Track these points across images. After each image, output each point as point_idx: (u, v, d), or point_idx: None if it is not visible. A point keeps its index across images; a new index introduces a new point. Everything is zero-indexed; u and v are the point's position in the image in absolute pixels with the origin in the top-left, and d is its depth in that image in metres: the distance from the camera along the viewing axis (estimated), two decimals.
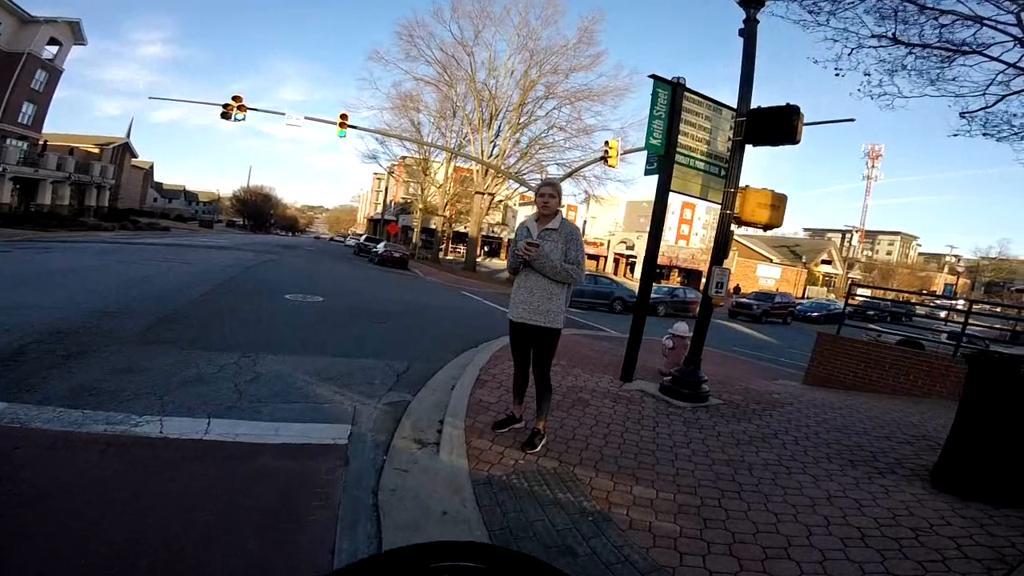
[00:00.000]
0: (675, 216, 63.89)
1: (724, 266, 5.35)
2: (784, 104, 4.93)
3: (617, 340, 9.84)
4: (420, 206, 37.68)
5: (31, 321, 5.38)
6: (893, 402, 6.70)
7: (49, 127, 34.44)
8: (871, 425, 5.00)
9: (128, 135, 48.28)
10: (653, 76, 5.42)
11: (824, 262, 54.25)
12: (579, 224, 62.73)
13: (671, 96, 5.40)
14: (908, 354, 8.11)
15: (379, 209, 60.18)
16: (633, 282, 30.91)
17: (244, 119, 17.36)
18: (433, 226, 39.76)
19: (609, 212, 55.00)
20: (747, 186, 5.29)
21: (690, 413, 4.85)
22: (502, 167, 27.65)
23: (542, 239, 3.34)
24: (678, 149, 5.47)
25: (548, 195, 3.39)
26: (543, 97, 28.73)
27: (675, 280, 49.17)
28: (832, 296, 44.79)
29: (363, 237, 42.50)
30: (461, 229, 43.09)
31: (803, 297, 43.05)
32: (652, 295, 20.52)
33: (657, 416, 4.68)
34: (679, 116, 5.44)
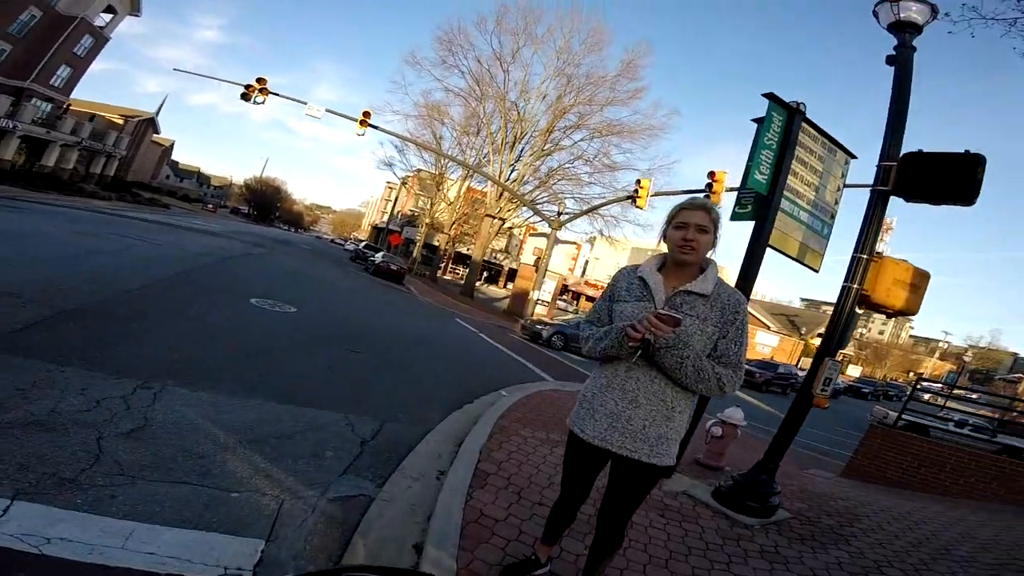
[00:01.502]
0: None
1: (835, 358, 3.92)
2: (963, 151, 3.61)
3: None
4: (427, 220, 36.62)
5: None
6: (959, 508, 5.80)
7: (87, 94, 34.10)
8: (972, 547, 4.03)
9: (158, 112, 48.25)
10: (770, 96, 4.16)
11: (820, 335, 53.28)
12: (581, 264, 62.27)
13: (786, 124, 4.14)
14: (968, 455, 7.29)
15: (385, 218, 59.18)
16: None
17: (264, 102, 16.59)
18: (436, 243, 38.55)
19: (612, 255, 53.99)
20: (880, 254, 3.93)
21: (763, 536, 3.53)
22: (518, 192, 26.52)
23: (680, 309, 1.79)
24: (784, 192, 4.12)
25: (699, 226, 1.80)
26: (573, 126, 27.69)
27: None
28: None
29: (363, 244, 40.95)
30: (463, 250, 41.97)
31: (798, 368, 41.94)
32: None
33: (724, 543, 3.30)
34: (792, 150, 4.14)
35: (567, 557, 2.62)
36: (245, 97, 16.28)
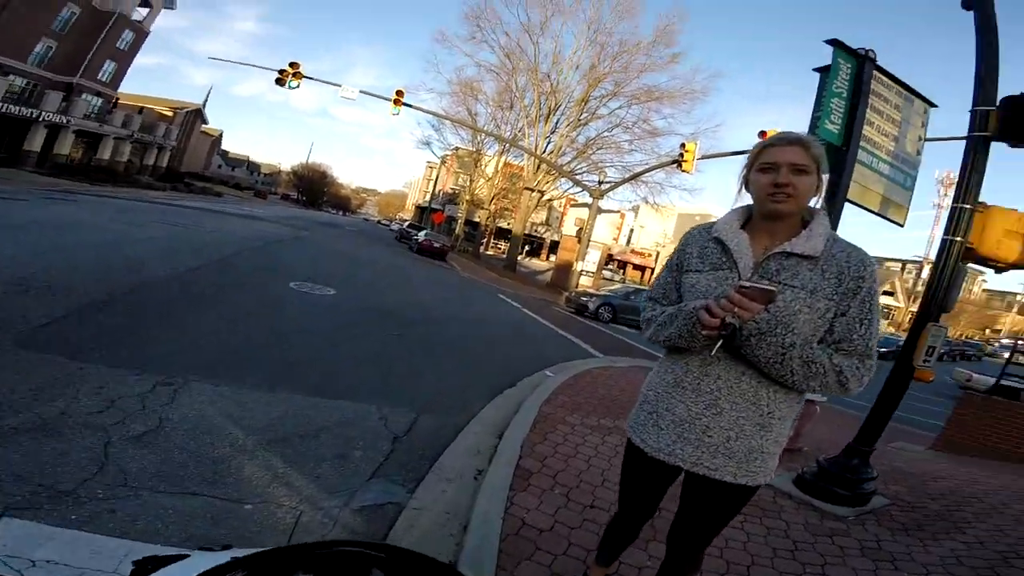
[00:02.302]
0: None
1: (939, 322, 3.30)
2: None
3: None
4: (467, 198, 36.41)
5: None
6: None
7: (136, 88, 35.48)
8: None
9: (204, 103, 49.59)
10: (834, 42, 3.66)
11: (886, 293, 49.98)
12: (626, 232, 60.55)
13: (855, 72, 3.78)
14: None
15: (428, 197, 59.73)
16: None
17: (298, 87, 16.87)
18: (477, 219, 38.31)
19: (657, 222, 52.02)
20: (985, 203, 3.26)
21: (860, 529, 3.03)
22: (556, 163, 25.66)
23: (777, 278, 1.31)
24: (860, 143, 3.55)
25: (795, 166, 1.29)
26: (609, 95, 26.43)
27: None
28: (892, 330, 40.85)
29: (406, 223, 41.34)
30: (504, 225, 41.60)
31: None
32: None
33: (816, 540, 2.83)
34: (866, 99, 3.64)
35: (626, 572, 2.21)
36: (280, 82, 16.64)
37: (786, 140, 1.33)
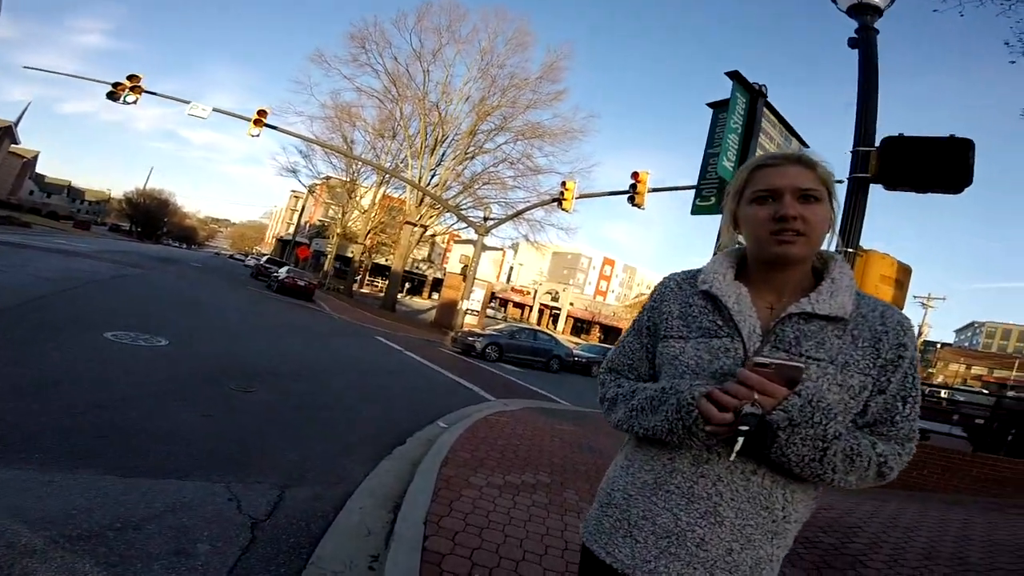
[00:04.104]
0: (596, 271, 65.18)
1: None
2: (948, 136, 3.30)
3: (579, 418, 7.61)
4: (338, 231, 34.18)
5: None
6: (926, 504, 5.71)
7: None
8: (980, 552, 3.77)
9: (17, 121, 43.07)
10: (733, 75, 3.72)
11: None
12: (506, 270, 62.30)
13: (749, 107, 3.77)
14: (921, 448, 7.12)
15: (291, 230, 55.44)
16: (558, 335, 29.28)
17: (136, 102, 15.30)
18: (350, 254, 36.12)
19: (535, 260, 54.33)
20: (864, 248, 3.54)
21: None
22: (441, 197, 25.35)
23: (792, 348, 0.98)
24: None
25: (802, 192, 0.98)
26: (496, 129, 26.88)
27: (595, 336, 48.93)
28: None
29: (264, 258, 37.21)
30: (382, 261, 39.98)
31: None
32: (586, 354, 18.76)
33: None
34: (757, 135, 3.73)
35: None
36: (113, 96, 14.96)
37: (783, 158, 1.03)
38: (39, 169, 61.58)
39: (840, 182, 3.64)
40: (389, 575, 2.22)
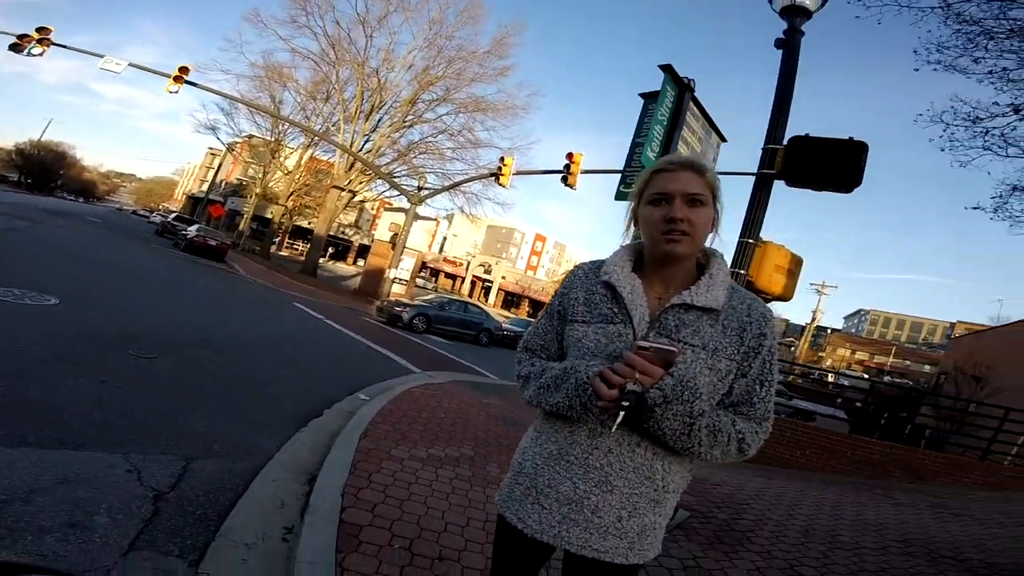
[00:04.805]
0: (528, 246, 66.11)
1: None
2: (847, 138, 3.63)
3: (505, 392, 7.81)
4: (258, 191, 32.21)
5: None
6: (796, 482, 6.25)
7: None
8: (849, 530, 4.20)
9: None
10: (666, 68, 3.91)
11: None
12: (439, 240, 61.29)
13: (677, 100, 3.97)
14: (803, 427, 7.92)
15: (205, 187, 51.20)
16: (489, 308, 29.48)
17: (42, 54, 14.56)
18: (269, 215, 34.01)
19: (470, 232, 53.98)
20: (763, 239, 3.83)
21: (676, 547, 3.15)
22: (374, 164, 24.37)
23: (673, 335, 1.13)
24: None
25: (690, 196, 1.12)
26: (438, 100, 26.24)
27: (524, 311, 49.86)
28: None
29: (173, 215, 34.29)
30: (303, 224, 38.13)
31: None
32: (515, 328, 19.12)
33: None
34: (681, 128, 3.96)
35: None
36: (16, 48, 14.23)
37: (677, 164, 1.15)
38: None
39: (751, 174, 3.92)
40: (304, 547, 2.19)
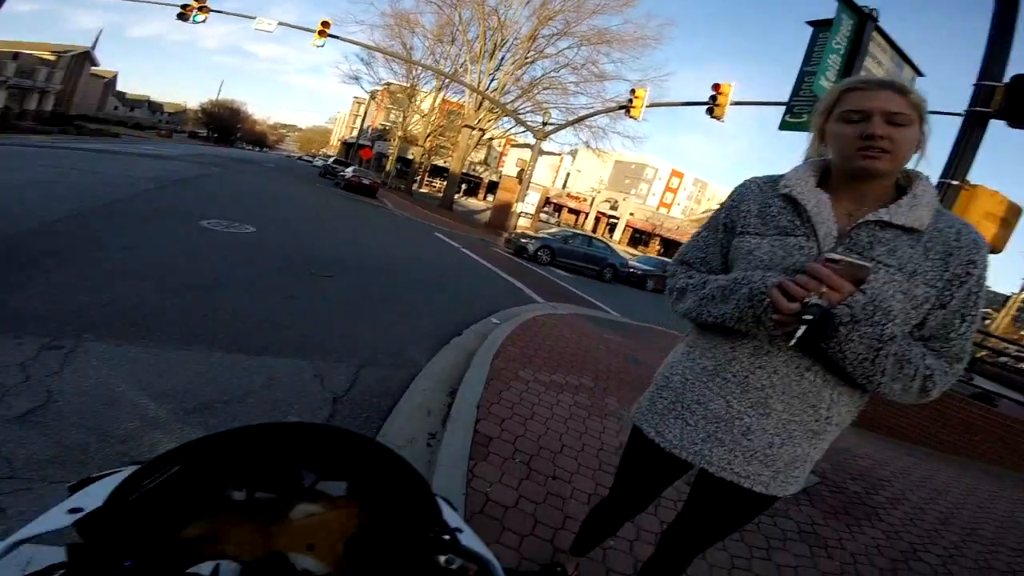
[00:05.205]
0: (661, 183, 62.10)
1: None
2: None
3: (627, 330, 7.91)
4: (399, 134, 34.81)
5: None
6: (967, 473, 5.42)
7: (9, 34, 31.33)
8: (995, 526, 3.80)
9: (93, 45, 47.04)
10: None
11: None
12: (563, 176, 60.28)
13: (855, 29, 3.60)
14: (981, 411, 6.67)
15: (355, 133, 56.20)
16: (614, 245, 28.98)
17: (204, 21, 16.13)
18: (410, 156, 36.74)
19: (595, 168, 52.27)
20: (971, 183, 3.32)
21: (797, 510, 3.04)
22: (500, 101, 24.61)
23: (865, 252, 1.03)
24: None
25: (891, 115, 1.00)
26: (558, 34, 25.36)
27: (654, 249, 47.92)
28: None
29: (331, 159, 38.83)
30: (440, 163, 40.31)
31: None
32: (642, 266, 18.61)
33: (759, 520, 2.75)
34: (863, 58, 3.54)
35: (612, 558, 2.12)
36: (183, 17, 15.70)
37: (876, 83, 1.05)
38: (119, 87, 65.75)
39: (958, 115, 3.37)
40: (444, 452, 2.56)
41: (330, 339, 3.97)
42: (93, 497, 0.57)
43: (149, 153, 19.62)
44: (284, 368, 3.25)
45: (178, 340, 3.27)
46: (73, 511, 0.55)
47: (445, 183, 32.02)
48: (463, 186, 45.86)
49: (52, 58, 40.36)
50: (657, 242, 49.60)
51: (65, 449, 2.01)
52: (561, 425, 3.27)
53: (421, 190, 42.04)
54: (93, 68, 50.31)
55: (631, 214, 50.47)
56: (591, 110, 22.30)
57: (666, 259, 23.48)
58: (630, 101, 15.03)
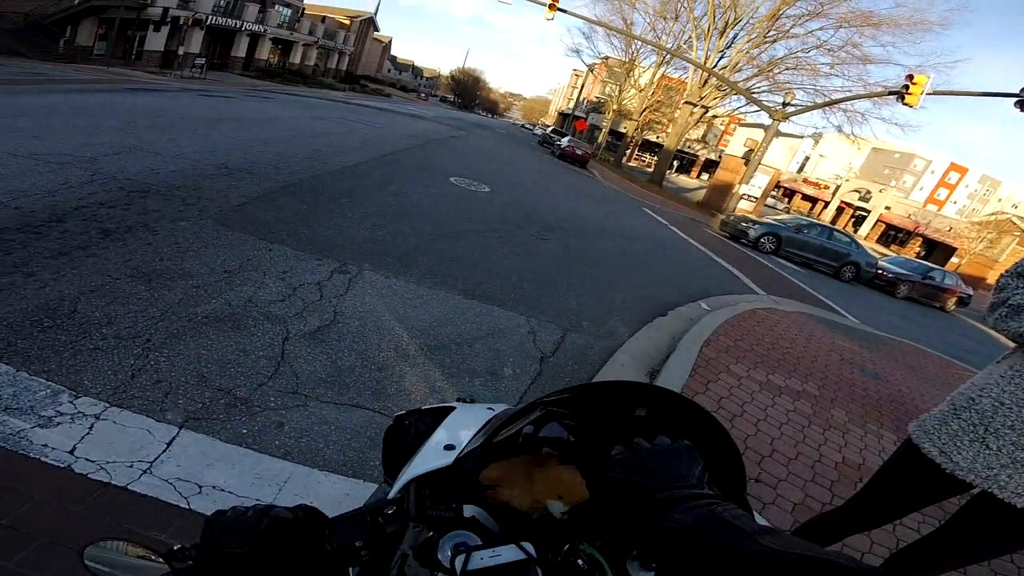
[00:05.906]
0: (934, 176, 49.05)
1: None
2: None
3: (867, 340, 6.56)
4: (614, 107, 34.63)
5: (154, 169, 4.69)
6: None
7: None
8: None
9: (375, 12, 55.15)
10: None
11: None
12: (799, 159, 52.29)
13: None
14: None
15: (571, 104, 57.73)
16: (860, 240, 23.93)
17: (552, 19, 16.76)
18: (623, 130, 36.37)
19: (843, 154, 43.75)
20: None
21: None
22: (730, 79, 22.43)
23: None
24: None
25: None
26: (809, 15, 21.99)
27: (912, 250, 38.61)
28: None
29: (549, 129, 40.91)
30: (652, 138, 38.99)
31: None
32: (895, 268, 15.17)
33: None
34: None
35: None
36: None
37: None
38: (392, 51, 77.83)
39: None
40: None
41: (543, 299, 4.21)
42: (451, 432, 0.69)
43: (412, 113, 23.71)
44: (506, 320, 3.57)
45: (429, 280, 3.85)
46: (448, 448, 0.66)
47: (656, 158, 31.08)
48: (675, 163, 43.51)
49: (347, 22, 48.11)
50: (918, 243, 39.96)
51: (338, 370, 2.46)
52: (775, 429, 2.93)
53: (630, 164, 41.32)
54: (375, 34, 59.27)
55: (887, 208, 41.36)
56: (848, 94, 19.21)
57: (929, 263, 18.61)
58: (905, 87, 12.39)
